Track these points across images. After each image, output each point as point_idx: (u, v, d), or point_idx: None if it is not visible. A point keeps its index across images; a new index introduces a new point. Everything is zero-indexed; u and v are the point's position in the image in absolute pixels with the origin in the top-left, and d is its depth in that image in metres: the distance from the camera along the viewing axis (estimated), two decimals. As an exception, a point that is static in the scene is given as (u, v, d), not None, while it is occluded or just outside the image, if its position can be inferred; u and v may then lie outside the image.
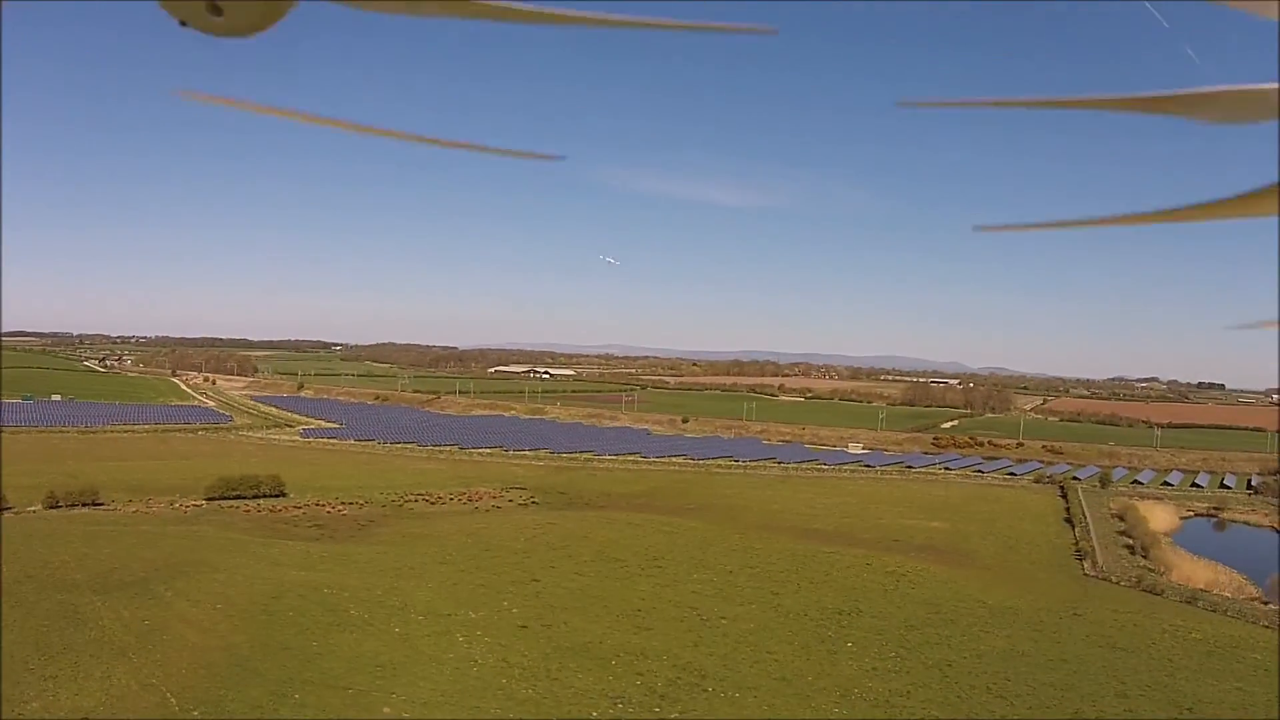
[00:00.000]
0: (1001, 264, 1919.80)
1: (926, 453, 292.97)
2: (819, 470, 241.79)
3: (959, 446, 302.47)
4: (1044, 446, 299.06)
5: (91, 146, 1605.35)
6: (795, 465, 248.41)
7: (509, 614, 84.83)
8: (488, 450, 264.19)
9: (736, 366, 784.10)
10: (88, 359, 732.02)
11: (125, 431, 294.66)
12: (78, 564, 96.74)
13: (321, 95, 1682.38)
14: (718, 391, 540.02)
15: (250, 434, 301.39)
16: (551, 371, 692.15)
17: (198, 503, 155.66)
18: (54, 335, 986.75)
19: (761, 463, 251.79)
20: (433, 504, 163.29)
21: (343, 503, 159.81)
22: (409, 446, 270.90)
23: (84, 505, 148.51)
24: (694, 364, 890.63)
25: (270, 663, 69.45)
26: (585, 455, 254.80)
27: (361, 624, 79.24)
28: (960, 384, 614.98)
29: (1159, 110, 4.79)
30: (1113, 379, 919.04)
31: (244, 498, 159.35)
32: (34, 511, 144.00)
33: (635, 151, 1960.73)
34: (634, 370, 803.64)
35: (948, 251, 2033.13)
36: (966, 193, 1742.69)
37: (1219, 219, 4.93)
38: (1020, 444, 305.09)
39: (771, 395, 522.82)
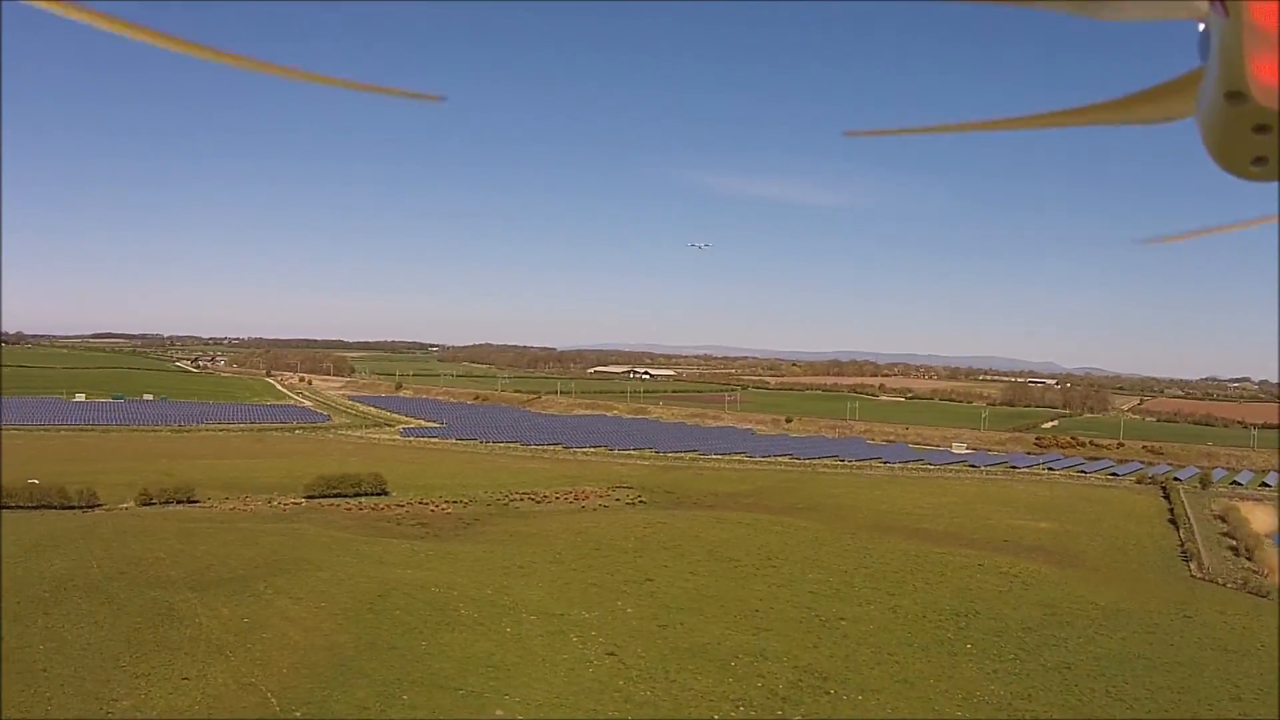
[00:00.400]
0: (1092, 265, 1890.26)
1: (1029, 453, 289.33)
2: (925, 470, 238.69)
3: (1061, 447, 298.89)
4: (1144, 447, 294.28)
5: (189, 149, 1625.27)
6: (901, 465, 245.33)
7: (623, 614, 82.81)
8: (591, 449, 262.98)
9: (836, 366, 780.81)
10: (179, 360, 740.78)
11: (220, 430, 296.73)
12: (172, 561, 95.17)
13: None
14: (818, 391, 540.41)
15: (349, 433, 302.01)
16: (651, 372, 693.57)
17: (297, 501, 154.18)
18: (143, 337, 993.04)
19: (867, 462, 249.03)
20: (538, 503, 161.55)
21: (446, 501, 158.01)
22: (511, 446, 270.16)
23: (178, 502, 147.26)
24: (793, 364, 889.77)
25: (377, 662, 67.68)
26: (691, 454, 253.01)
27: (472, 623, 77.37)
28: (1057, 384, 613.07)
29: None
30: (1205, 379, 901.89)
31: (344, 496, 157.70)
32: (126, 508, 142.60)
33: (723, 152, 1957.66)
34: (733, 370, 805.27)
35: (1039, 251, 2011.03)
36: (1055, 195, 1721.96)
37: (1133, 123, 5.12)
38: (1121, 444, 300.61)
39: (872, 395, 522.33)
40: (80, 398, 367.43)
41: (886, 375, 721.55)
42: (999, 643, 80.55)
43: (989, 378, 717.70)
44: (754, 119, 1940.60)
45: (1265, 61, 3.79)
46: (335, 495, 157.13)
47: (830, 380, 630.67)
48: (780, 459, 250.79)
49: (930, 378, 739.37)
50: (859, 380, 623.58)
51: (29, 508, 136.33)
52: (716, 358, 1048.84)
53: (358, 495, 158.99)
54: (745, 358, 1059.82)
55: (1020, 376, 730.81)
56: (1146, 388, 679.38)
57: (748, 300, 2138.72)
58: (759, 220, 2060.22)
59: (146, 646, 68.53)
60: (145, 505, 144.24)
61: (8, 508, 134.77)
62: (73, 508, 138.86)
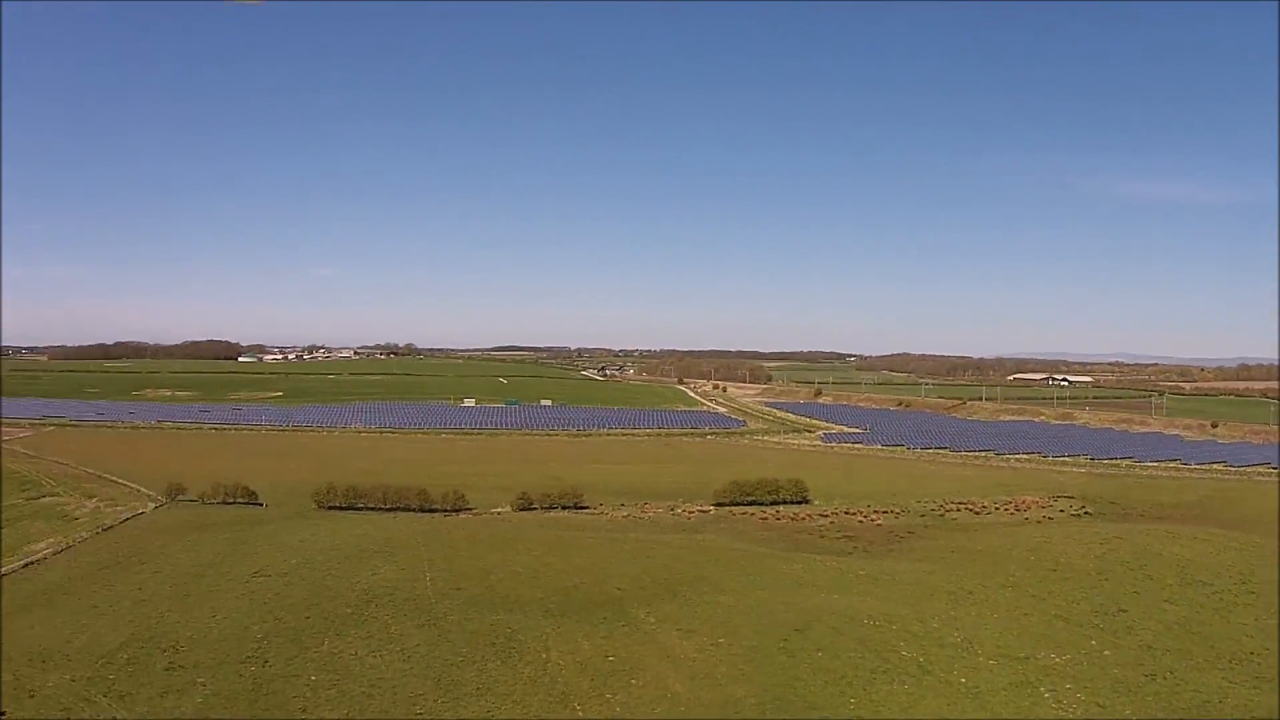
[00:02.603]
0: None
1: None
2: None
3: None
4: None
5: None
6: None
7: (1100, 657, 67.46)
8: (1025, 455, 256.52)
9: (1245, 370, 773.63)
10: (585, 369, 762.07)
11: (624, 435, 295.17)
12: (532, 576, 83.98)
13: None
14: (1231, 396, 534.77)
15: (765, 438, 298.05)
16: (1070, 378, 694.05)
17: (704, 508, 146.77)
18: (550, 349, 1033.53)
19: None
20: (976, 513, 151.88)
21: (875, 511, 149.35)
22: (940, 452, 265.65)
23: (563, 508, 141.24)
24: (1201, 369, 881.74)
25: (790, 728, 52.65)
26: (1126, 461, 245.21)
27: (916, 671, 62.37)
28: None
29: None
30: None
31: (760, 504, 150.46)
32: (499, 513, 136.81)
33: (1111, 153, 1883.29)
34: (1146, 376, 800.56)
35: None
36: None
37: None
38: None
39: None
40: (469, 403, 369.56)
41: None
42: None
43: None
44: (1144, 120, 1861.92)
45: None
46: (750, 503, 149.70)
47: (1241, 385, 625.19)
48: (1214, 466, 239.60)
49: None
50: (1267, 385, 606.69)
51: (380, 509, 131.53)
52: (1127, 364, 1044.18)
53: (775, 503, 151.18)
54: (1155, 364, 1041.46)
55: None
56: None
57: (1147, 307, 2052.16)
58: (1147, 222, 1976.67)
59: (465, 688, 56.69)
60: (523, 510, 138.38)
61: (355, 509, 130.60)
62: (434, 510, 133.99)
